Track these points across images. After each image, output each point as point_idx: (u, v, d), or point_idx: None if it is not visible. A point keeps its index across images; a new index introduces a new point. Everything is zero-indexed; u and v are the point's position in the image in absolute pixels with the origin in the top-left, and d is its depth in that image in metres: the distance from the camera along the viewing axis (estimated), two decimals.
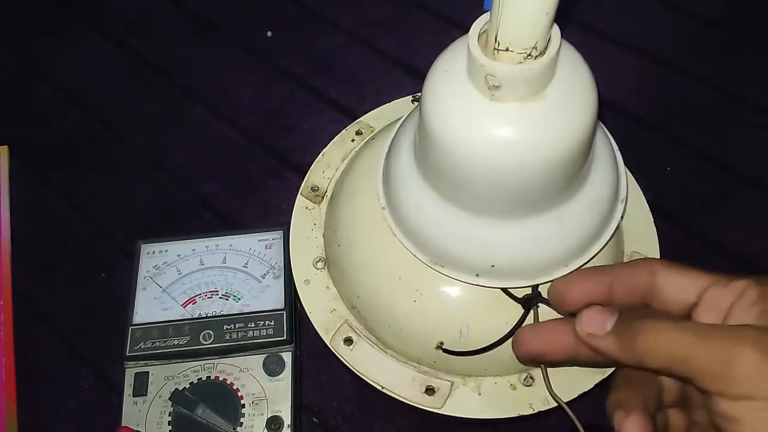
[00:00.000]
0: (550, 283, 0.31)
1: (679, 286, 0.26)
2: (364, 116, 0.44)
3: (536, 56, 0.25)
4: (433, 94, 0.28)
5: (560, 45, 0.26)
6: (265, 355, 0.39)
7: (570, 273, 0.31)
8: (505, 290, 0.32)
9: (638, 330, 0.24)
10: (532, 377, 0.35)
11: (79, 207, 0.49)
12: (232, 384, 0.38)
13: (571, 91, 0.27)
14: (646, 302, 0.27)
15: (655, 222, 0.39)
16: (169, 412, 0.37)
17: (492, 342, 0.33)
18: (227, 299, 0.41)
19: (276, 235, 0.43)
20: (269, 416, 0.37)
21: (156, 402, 0.37)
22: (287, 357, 0.39)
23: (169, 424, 0.37)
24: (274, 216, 0.48)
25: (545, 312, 0.33)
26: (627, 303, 0.27)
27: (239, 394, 0.38)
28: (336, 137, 0.43)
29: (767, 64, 0.53)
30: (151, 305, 0.40)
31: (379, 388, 0.35)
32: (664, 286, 0.26)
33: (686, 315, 0.26)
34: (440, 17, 0.58)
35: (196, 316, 0.40)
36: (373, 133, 0.43)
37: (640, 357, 0.24)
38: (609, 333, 0.25)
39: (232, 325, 0.39)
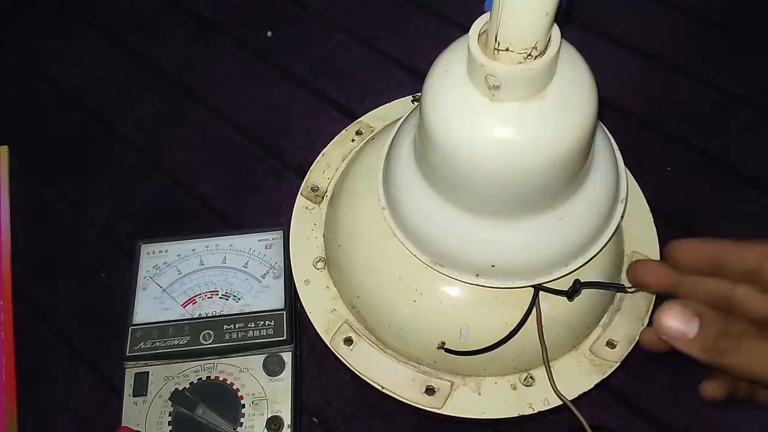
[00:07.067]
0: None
1: None
2: (364, 116, 0.44)
3: (536, 56, 0.25)
4: (433, 95, 0.28)
5: (560, 45, 0.26)
6: (265, 355, 0.39)
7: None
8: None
9: (733, 349, 0.25)
10: (532, 377, 0.35)
11: (79, 207, 0.49)
12: (232, 384, 0.38)
13: (571, 91, 0.27)
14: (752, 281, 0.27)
15: (655, 222, 0.39)
16: (169, 412, 0.37)
17: (492, 342, 0.33)
18: (227, 299, 0.41)
19: (276, 235, 0.43)
20: (269, 416, 0.37)
21: (156, 402, 0.37)
22: (287, 357, 0.39)
23: (169, 424, 0.37)
24: (274, 216, 0.48)
25: (545, 308, 0.33)
26: (734, 277, 0.28)
27: (239, 394, 0.38)
28: (336, 137, 0.43)
29: (767, 64, 0.53)
30: (151, 305, 0.40)
31: (379, 388, 0.35)
32: None
33: None
34: (440, 17, 0.58)
35: (196, 316, 0.40)
36: (373, 133, 0.43)
37: (729, 367, 0.25)
38: (693, 340, 0.25)
39: (232, 325, 0.39)
